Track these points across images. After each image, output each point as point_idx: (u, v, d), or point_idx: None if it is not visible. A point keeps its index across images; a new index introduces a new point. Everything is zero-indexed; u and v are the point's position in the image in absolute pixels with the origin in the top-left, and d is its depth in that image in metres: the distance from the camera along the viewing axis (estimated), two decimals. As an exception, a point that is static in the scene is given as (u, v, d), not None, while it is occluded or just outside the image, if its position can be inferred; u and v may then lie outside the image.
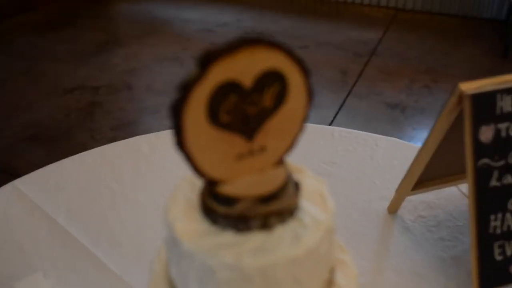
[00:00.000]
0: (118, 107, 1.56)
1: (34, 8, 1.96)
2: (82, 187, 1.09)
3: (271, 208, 0.56)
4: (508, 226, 0.81)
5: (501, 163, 0.79)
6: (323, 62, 1.70)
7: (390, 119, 1.37)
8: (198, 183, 0.61)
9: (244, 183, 0.58)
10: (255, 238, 0.56)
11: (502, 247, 0.82)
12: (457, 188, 1.04)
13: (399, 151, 1.16)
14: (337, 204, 0.70)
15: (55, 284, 0.89)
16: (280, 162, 0.60)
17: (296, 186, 0.60)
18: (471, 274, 0.84)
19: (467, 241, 0.96)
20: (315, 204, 0.60)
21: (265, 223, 0.56)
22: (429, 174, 0.95)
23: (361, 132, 1.26)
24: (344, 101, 1.45)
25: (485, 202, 0.80)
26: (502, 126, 0.78)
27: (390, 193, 1.02)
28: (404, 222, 1.01)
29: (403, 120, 1.41)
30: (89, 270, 0.92)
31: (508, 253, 0.82)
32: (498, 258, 0.81)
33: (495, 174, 0.79)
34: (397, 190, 0.98)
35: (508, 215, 0.81)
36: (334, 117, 1.38)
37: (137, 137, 1.20)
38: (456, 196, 1.05)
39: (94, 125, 1.44)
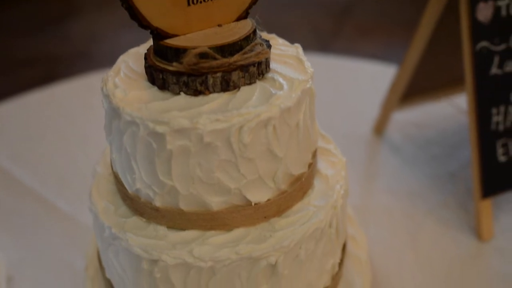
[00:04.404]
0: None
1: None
2: (27, 128, 0.96)
3: (233, 61, 0.44)
4: (512, 123, 0.71)
5: (502, 47, 0.69)
6: (297, 23, 1.60)
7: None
8: (144, 55, 0.49)
9: (199, 34, 0.46)
10: (216, 100, 0.44)
11: (505, 146, 0.71)
12: (450, 104, 0.93)
13: (384, 76, 1.04)
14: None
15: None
16: (242, 15, 0.48)
17: (266, 43, 0.48)
18: (471, 187, 0.74)
19: (463, 156, 0.86)
20: (291, 66, 0.49)
21: (228, 82, 0.44)
22: (418, 84, 0.84)
23: (341, 58, 1.16)
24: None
25: (486, 93, 0.69)
26: (502, 3, 0.68)
27: (375, 116, 0.91)
28: (392, 142, 0.90)
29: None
30: (38, 212, 0.80)
31: (513, 154, 0.72)
32: (502, 159, 0.71)
33: (496, 60, 0.69)
34: (383, 105, 0.87)
35: (511, 108, 0.71)
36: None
37: (90, 73, 1.07)
38: (449, 114, 0.94)
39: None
